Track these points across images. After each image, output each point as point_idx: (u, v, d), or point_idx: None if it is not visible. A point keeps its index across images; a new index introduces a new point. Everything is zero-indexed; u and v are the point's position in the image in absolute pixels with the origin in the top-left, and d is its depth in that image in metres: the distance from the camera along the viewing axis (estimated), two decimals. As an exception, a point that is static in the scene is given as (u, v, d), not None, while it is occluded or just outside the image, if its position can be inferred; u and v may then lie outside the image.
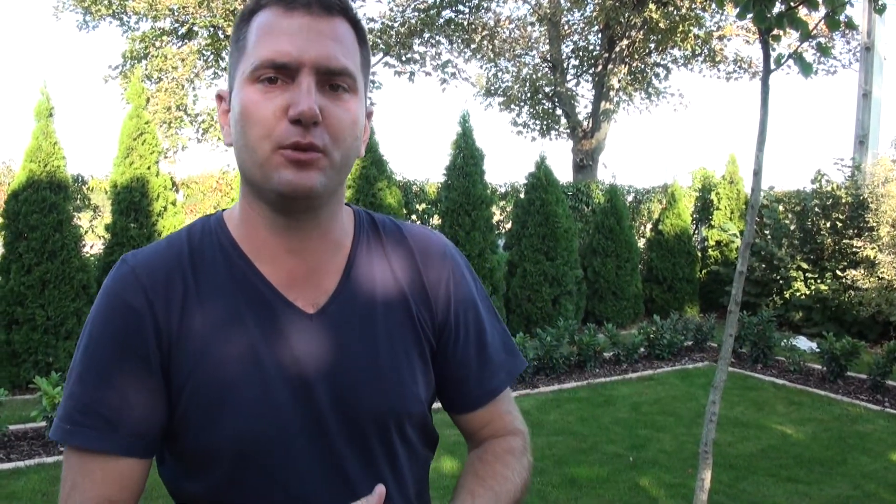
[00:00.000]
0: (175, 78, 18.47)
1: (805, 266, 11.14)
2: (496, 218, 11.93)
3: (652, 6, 17.50)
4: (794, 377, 8.27)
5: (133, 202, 8.27)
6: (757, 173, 3.78)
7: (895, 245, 10.10)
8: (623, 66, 19.48)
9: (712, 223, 13.30)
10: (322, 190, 1.13)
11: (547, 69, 21.08)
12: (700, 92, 41.67)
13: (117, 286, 1.18)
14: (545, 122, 21.87)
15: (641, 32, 18.54)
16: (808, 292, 10.99)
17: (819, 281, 10.94)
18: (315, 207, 1.19)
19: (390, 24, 19.22)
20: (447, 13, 19.53)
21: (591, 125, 20.00)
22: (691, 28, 18.32)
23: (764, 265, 11.58)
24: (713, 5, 17.26)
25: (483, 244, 9.92)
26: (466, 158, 10.06)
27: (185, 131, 19.25)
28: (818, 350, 8.31)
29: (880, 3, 3.90)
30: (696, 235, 13.65)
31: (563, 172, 20.28)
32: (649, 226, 13.95)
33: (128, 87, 9.13)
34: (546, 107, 21.53)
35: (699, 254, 12.99)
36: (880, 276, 10.08)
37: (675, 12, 17.77)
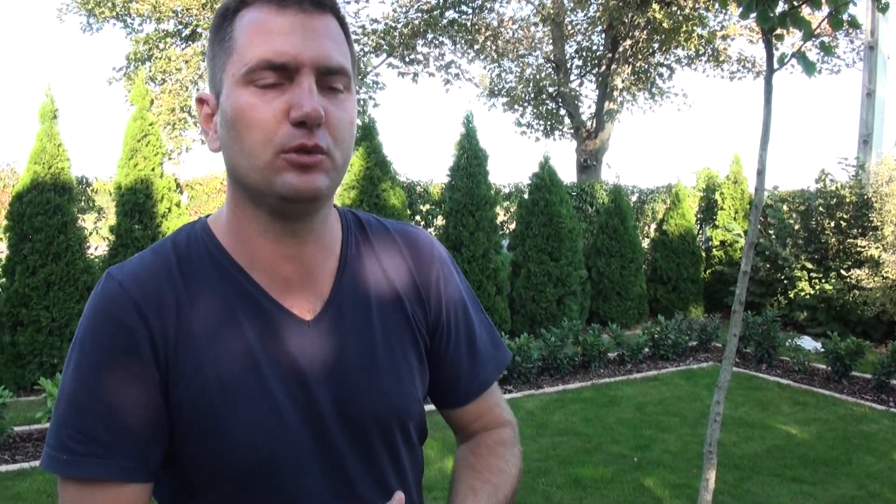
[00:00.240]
0: (179, 80, 18.49)
1: (809, 266, 11.13)
2: (500, 218, 11.93)
3: (655, 6, 17.48)
4: (799, 377, 8.26)
5: (137, 204, 8.27)
6: (761, 173, 3.78)
7: (900, 244, 10.10)
8: (627, 66, 19.47)
9: (716, 223, 13.29)
10: (326, 192, 1.11)
11: (550, 69, 21.07)
12: (704, 92, 41.70)
13: (106, 303, 1.11)
14: (549, 123, 21.85)
15: (645, 32, 18.53)
16: (812, 292, 10.97)
17: (823, 281, 10.92)
18: (312, 211, 1.17)
19: (394, 24, 19.22)
20: (450, 14, 19.52)
21: (594, 125, 20.00)
22: (695, 28, 18.29)
23: (768, 265, 11.56)
24: (716, 5, 17.26)
25: (487, 245, 9.92)
26: (470, 159, 10.06)
27: (190, 133, 19.26)
28: (823, 350, 8.30)
29: (883, 1, 3.89)
30: (700, 235, 13.64)
31: (567, 173, 20.36)
32: (653, 226, 13.94)
33: (132, 88, 9.14)
34: (550, 107, 21.52)
35: (703, 254, 12.97)
36: (885, 275, 10.06)
37: (678, 12, 17.75)
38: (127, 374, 1.08)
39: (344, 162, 1.14)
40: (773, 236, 11.88)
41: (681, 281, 12.27)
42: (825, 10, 3.47)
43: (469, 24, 20.00)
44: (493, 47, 21.16)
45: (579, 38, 21.57)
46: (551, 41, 20.95)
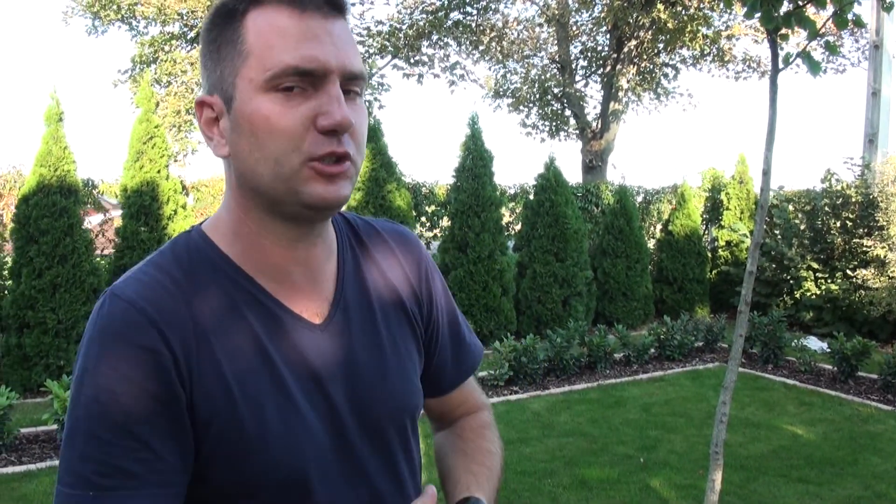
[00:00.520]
0: (184, 82, 18.54)
1: (815, 266, 11.11)
2: (506, 219, 11.93)
3: (660, 6, 17.48)
4: (805, 377, 8.25)
5: (143, 206, 8.29)
6: (766, 173, 3.78)
7: (906, 244, 10.08)
8: (632, 66, 19.46)
9: (722, 223, 13.27)
10: (348, 198, 1.10)
11: (555, 70, 21.07)
12: (709, 92, 41.63)
13: (120, 326, 1.04)
14: (554, 124, 21.84)
15: (650, 33, 18.52)
16: (818, 292, 10.95)
17: (829, 281, 10.90)
18: (327, 217, 1.18)
19: (398, 26, 19.24)
20: (455, 15, 19.53)
21: (600, 126, 19.99)
22: (700, 28, 18.28)
23: (774, 265, 11.55)
24: (721, 5, 17.23)
25: (493, 246, 9.92)
26: (475, 160, 10.06)
27: (195, 135, 19.31)
28: (829, 350, 8.29)
29: (888, 1, 3.89)
30: (706, 236, 13.62)
31: (573, 173, 20.35)
32: (659, 226, 13.93)
33: (137, 91, 9.19)
34: (555, 108, 21.51)
35: (709, 254, 12.95)
36: (891, 275, 10.04)
37: (683, 12, 17.75)
38: (152, 400, 1.02)
39: (361, 166, 1.14)
40: (779, 236, 11.85)
41: (686, 281, 12.25)
42: (830, 9, 3.47)
43: (474, 25, 20.01)
44: (498, 48, 21.17)
45: (584, 38, 21.57)
46: (556, 42, 20.96)
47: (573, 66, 21.05)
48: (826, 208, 11.31)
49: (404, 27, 19.28)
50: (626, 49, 19.03)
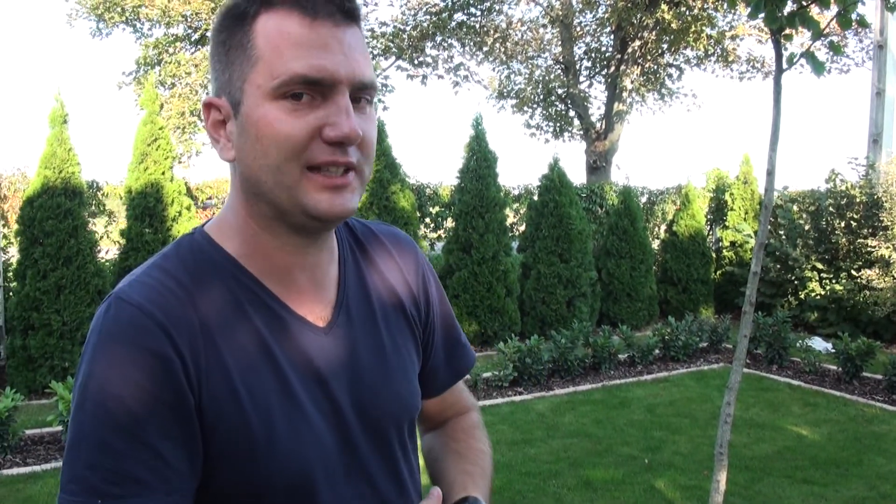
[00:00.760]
0: (189, 83, 18.57)
1: (820, 266, 11.10)
2: (510, 220, 11.93)
3: (664, 7, 17.47)
4: (810, 378, 8.24)
5: (148, 207, 8.30)
6: (770, 173, 3.77)
7: (911, 244, 10.06)
8: (636, 66, 19.45)
9: (727, 224, 13.25)
10: (354, 211, 1.11)
11: (559, 71, 21.07)
12: (713, 92, 41.52)
13: (128, 331, 1.02)
14: (558, 124, 21.86)
15: (654, 33, 18.51)
16: (823, 292, 10.94)
17: (834, 281, 10.89)
18: (332, 227, 1.19)
19: (402, 27, 19.27)
20: (459, 16, 19.55)
21: (604, 126, 19.98)
22: (704, 28, 18.27)
23: (779, 265, 11.53)
24: (725, 5, 17.21)
25: (497, 247, 9.92)
26: (480, 161, 10.06)
27: (199, 136, 19.34)
28: (833, 350, 8.28)
29: (892, 0, 3.88)
30: (710, 236, 13.61)
31: (577, 174, 20.35)
32: (663, 227, 13.92)
33: (142, 93, 9.17)
34: (559, 108, 21.53)
35: (714, 255, 12.94)
36: (895, 275, 10.03)
37: (687, 12, 17.73)
38: (162, 405, 1.00)
39: (369, 174, 1.14)
40: (784, 237, 11.84)
41: (691, 282, 12.24)
42: (834, 9, 3.47)
43: (478, 26, 20.03)
44: (502, 49, 21.18)
45: (588, 39, 21.57)
46: (560, 43, 20.96)
47: (577, 66, 21.05)
48: (830, 208, 11.29)
49: (408, 28, 19.32)
50: (630, 49, 19.03)
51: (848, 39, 19.34)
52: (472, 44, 20.46)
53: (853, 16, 3.46)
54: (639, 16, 17.77)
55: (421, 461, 1.39)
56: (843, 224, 11.06)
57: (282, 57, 1.04)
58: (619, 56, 19.52)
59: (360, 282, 1.27)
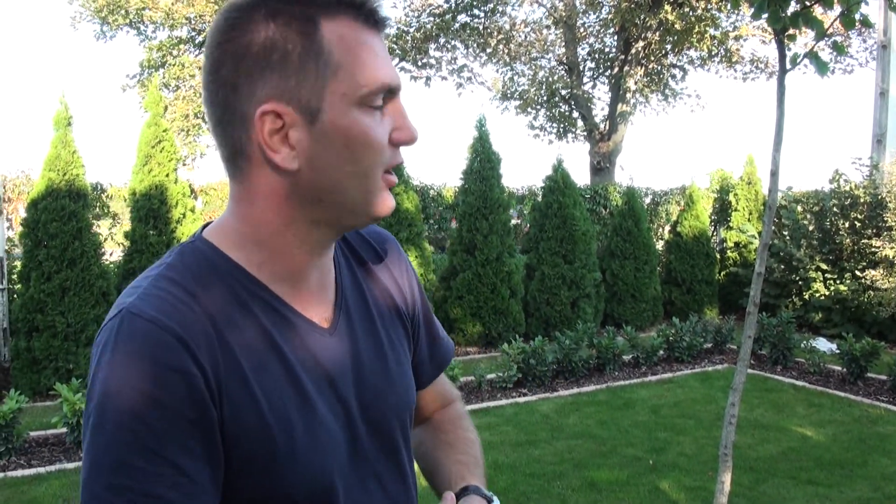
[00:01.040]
0: (192, 86, 18.61)
1: (824, 267, 11.08)
2: (514, 221, 11.93)
3: (667, 7, 17.48)
4: (814, 379, 8.23)
5: (152, 209, 8.31)
6: (774, 174, 3.77)
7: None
8: (639, 67, 19.47)
9: (731, 224, 13.24)
10: None
11: (563, 72, 21.10)
12: (717, 93, 41.57)
13: (148, 348, 0.98)
14: (562, 125, 21.87)
15: (657, 34, 18.53)
16: (827, 293, 10.92)
17: (838, 281, 10.87)
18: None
19: (406, 29, 19.28)
20: (462, 18, 19.58)
21: (607, 127, 20.00)
22: (707, 29, 18.28)
23: (783, 266, 11.52)
24: (728, 6, 17.22)
25: (501, 248, 9.92)
26: (483, 162, 10.06)
27: (204, 139, 19.36)
28: (838, 351, 8.27)
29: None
30: (714, 237, 13.60)
31: (581, 175, 20.36)
32: (667, 228, 13.92)
33: (146, 95, 9.23)
34: (562, 110, 21.54)
35: (718, 255, 12.92)
36: (900, 276, 10.02)
37: (690, 13, 17.74)
38: (186, 422, 0.98)
39: None
40: (788, 237, 11.83)
41: (695, 283, 12.23)
42: (837, 9, 3.46)
43: (481, 27, 20.05)
44: (506, 51, 21.20)
45: (592, 40, 21.60)
46: (563, 44, 20.99)
47: (581, 67, 21.07)
48: (834, 209, 11.28)
49: (412, 30, 19.34)
50: (633, 50, 19.04)
51: (851, 40, 19.32)
52: (475, 45, 20.49)
53: (857, 16, 3.46)
54: (642, 16, 17.78)
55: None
56: (847, 224, 11.04)
57: (364, 66, 1.06)
58: (622, 57, 19.54)
59: (355, 282, 1.28)
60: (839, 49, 6.09)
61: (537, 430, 6.62)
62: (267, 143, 1.06)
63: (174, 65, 18.64)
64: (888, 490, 5.24)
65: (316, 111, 1.05)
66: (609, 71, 20.75)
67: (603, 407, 7.30)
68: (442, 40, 19.83)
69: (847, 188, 11.29)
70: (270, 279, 1.12)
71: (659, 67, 20.31)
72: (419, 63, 20.12)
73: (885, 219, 10.51)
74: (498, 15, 20.43)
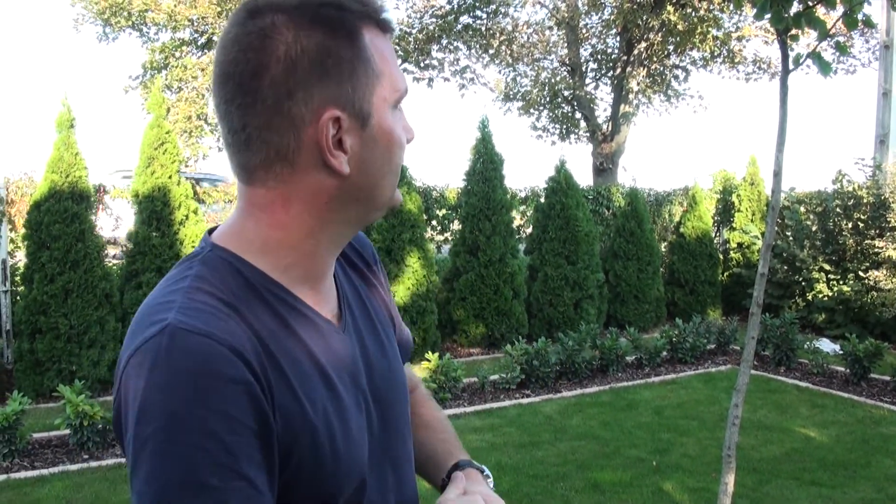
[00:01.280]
0: (195, 87, 18.63)
1: (827, 267, 11.07)
2: (516, 222, 11.91)
3: (670, 8, 17.47)
4: (818, 379, 8.22)
5: (155, 211, 8.31)
6: (777, 174, 3.76)
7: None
8: (642, 68, 19.45)
9: (734, 225, 13.23)
10: None
11: (565, 73, 21.08)
12: (719, 93, 41.52)
13: (207, 363, 0.95)
14: (564, 126, 21.84)
15: (660, 35, 18.50)
16: (830, 294, 10.91)
17: (841, 282, 10.86)
18: None
19: (408, 30, 19.29)
20: (465, 19, 19.58)
21: (610, 128, 19.99)
22: (710, 29, 18.26)
23: (786, 267, 11.51)
24: (731, 6, 17.21)
25: (503, 249, 9.92)
26: (486, 163, 10.06)
27: (206, 140, 19.40)
28: (841, 352, 8.26)
29: (899, 1, 3.88)
30: (717, 238, 13.59)
31: (584, 176, 20.32)
32: (670, 229, 13.90)
33: (148, 97, 9.23)
34: (565, 111, 21.51)
35: (721, 256, 12.92)
36: (904, 276, 10.01)
37: (693, 14, 17.73)
38: (251, 434, 0.97)
39: None
40: (791, 238, 11.81)
41: (698, 283, 12.22)
42: (840, 9, 3.46)
43: (483, 28, 20.05)
44: (508, 52, 21.19)
45: (594, 41, 21.58)
46: (566, 45, 20.97)
47: (583, 68, 21.06)
48: (837, 209, 11.26)
49: (414, 31, 19.34)
50: (636, 51, 19.02)
51: (854, 40, 19.29)
52: (477, 46, 20.48)
53: (859, 16, 3.46)
54: (644, 17, 17.77)
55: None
56: (850, 225, 11.03)
57: (395, 72, 1.14)
58: (624, 58, 19.52)
59: (350, 282, 1.31)
60: (842, 49, 6.09)
61: (540, 432, 6.62)
62: (329, 148, 1.06)
63: (177, 66, 18.67)
64: (891, 491, 5.24)
65: (367, 116, 1.09)
66: (611, 72, 20.73)
67: (606, 408, 7.29)
68: (444, 41, 19.82)
69: (850, 189, 11.27)
70: (293, 282, 1.13)
71: (661, 68, 20.29)
72: (422, 64, 20.13)
73: (889, 219, 10.49)
74: (500, 16, 20.42)
